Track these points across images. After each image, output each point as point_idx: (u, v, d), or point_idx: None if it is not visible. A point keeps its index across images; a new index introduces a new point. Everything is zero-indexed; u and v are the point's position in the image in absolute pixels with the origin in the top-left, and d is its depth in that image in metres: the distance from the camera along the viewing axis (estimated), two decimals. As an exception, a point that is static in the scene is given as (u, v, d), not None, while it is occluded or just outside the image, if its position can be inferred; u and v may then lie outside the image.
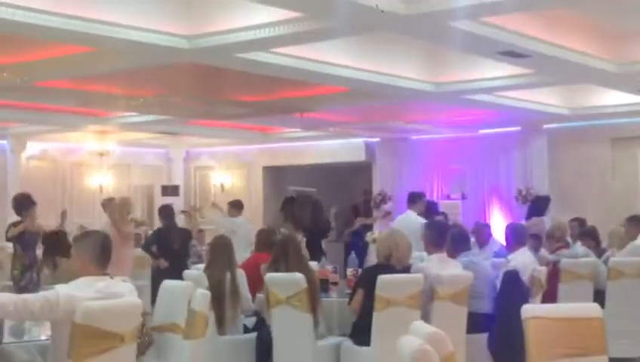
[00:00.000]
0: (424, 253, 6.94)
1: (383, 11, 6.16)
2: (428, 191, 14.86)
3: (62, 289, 4.07)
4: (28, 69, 8.51)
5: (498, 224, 12.72)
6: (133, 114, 12.54)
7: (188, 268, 7.97)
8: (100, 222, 10.79)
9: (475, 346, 6.18)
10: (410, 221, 8.98)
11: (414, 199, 9.71)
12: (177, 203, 14.84)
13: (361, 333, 5.98)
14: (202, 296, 4.89)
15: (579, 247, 8.56)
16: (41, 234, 8.01)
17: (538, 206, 10.31)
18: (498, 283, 6.53)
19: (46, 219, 9.71)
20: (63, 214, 9.94)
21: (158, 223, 11.68)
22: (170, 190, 16.96)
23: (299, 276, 6.08)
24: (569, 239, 8.75)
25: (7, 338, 4.40)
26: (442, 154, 15.01)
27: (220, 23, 7.15)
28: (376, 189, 15.78)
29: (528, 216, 10.29)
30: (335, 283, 6.88)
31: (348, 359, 6.13)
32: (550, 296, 7.23)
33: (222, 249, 6.74)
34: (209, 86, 10.50)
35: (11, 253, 8.37)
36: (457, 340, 5.67)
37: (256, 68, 8.24)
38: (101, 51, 7.62)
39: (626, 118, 12.57)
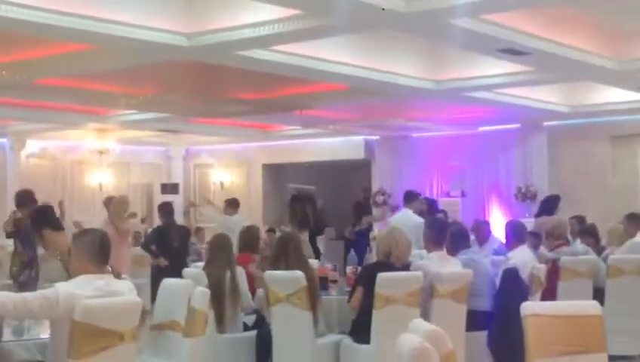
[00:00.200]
0: (424, 251, 6.95)
1: (384, 9, 6.16)
2: (428, 189, 14.89)
3: (61, 288, 4.07)
4: (27, 67, 8.50)
5: (498, 221, 12.73)
6: (133, 112, 12.54)
7: (187, 266, 7.96)
8: (99, 220, 10.78)
9: (474, 344, 6.19)
10: (407, 219, 9.01)
11: (411, 198, 9.75)
12: (177, 201, 14.84)
13: (360, 331, 5.98)
14: (202, 293, 4.89)
15: (578, 245, 8.56)
16: None
17: (548, 205, 10.29)
18: (498, 281, 6.53)
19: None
20: (61, 204, 9.93)
21: (157, 221, 11.71)
22: (169, 188, 16.96)
23: (299, 274, 6.08)
24: (569, 236, 8.75)
25: (6, 337, 4.40)
26: (442, 152, 15.01)
27: (219, 20, 7.14)
28: (375, 187, 15.79)
29: (538, 215, 10.27)
30: (335, 281, 6.88)
31: (347, 357, 6.14)
32: (550, 294, 7.23)
33: (221, 247, 6.74)
34: (209, 84, 10.49)
35: (11, 251, 8.38)
36: (457, 338, 5.67)
37: (256, 65, 8.23)
38: (101, 49, 7.62)
39: (626, 115, 12.57)
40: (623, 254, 8.16)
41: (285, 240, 6.72)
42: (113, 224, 8.46)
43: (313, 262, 7.01)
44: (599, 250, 8.75)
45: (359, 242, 11.20)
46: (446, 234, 6.55)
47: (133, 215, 11.13)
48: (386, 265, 6.09)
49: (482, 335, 6.34)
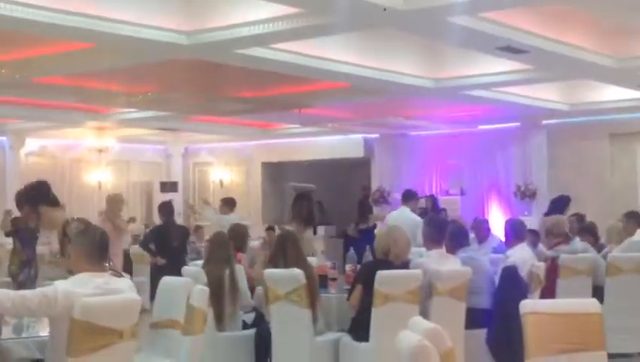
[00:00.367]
0: (423, 249, 6.95)
1: (385, 9, 6.17)
2: (427, 187, 14.91)
3: (60, 286, 4.07)
4: (27, 66, 8.50)
5: (497, 220, 12.74)
6: (132, 110, 12.54)
7: (187, 265, 7.96)
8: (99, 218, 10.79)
9: (473, 341, 6.18)
10: (405, 217, 9.03)
11: (409, 196, 9.78)
12: (176, 199, 14.84)
13: (359, 329, 5.98)
14: (201, 291, 4.89)
15: (578, 243, 8.55)
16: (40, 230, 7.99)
17: (558, 205, 10.30)
18: (497, 279, 6.53)
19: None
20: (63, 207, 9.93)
21: (156, 219, 11.71)
22: (169, 186, 16.96)
23: (297, 272, 6.08)
24: (570, 234, 8.74)
25: (5, 335, 4.40)
26: (441, 150, 15.02)
27: (219, 18, 7.14)
28: (374, 185, 15.79)
29: (547, 215, 10.26)
30: (334, 279, 6.88)
31: (347, 355, 6.14)
32: (549, 292, 7.23)
33: (221, 245, 6.73)
34: (208, 82, 10.49)
35: (10, 250, 8.36)
36: (456, 336, 5.67)
37: (256, 64, 8.24)
38: (100, 47, 7.62)
39: (625, 113, 12.58)
40: (622, 252, 8.16)
41: (284, 238, 6.71)
42: (110, 221, 8.46)
43: (312, 260, 7.01)
44: (598, 248, 8.75)
45: (363, 240, 11.19)
46: (445, 232, 6.54)
47: (133, 220, 11.13)
48: (385, 263, 6.09)
49: (481, 333, 6.34)
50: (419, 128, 14.80)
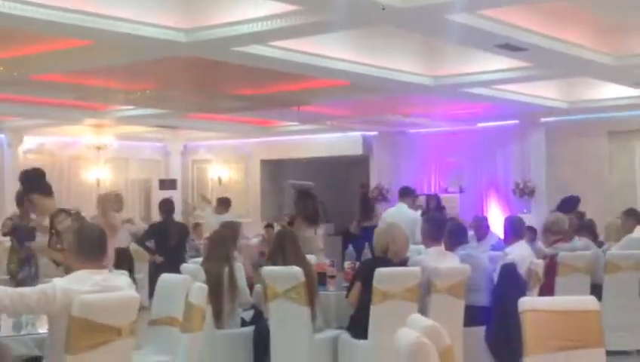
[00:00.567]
0: (421, 246, 6.95)
1: (383, 8, 6.17)
2: (426, 185, 14.91)
3: (59, 283, 4.06)
4: (25, 63, 8.49)
5: (496, 217, 12.74)
6: (130, 107, 12.53)
7: (186, 263, 7.96)
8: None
9: (472, 339, 6.19)
10: (402, 214, 9.03)
11: (406, 193, 9.79)
12: (175, 197, 14.82)
13: (358, 326, 5.98)
14: (199, 289, 4.88)
15: (578, 241, 8.54)
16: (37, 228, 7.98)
17: (567, 206, 10.31)
18: (496, 276, 6.54)
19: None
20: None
21: (155, 217, 11.71)
22: (167, 184, 16.95)
23: (296, 269, 6.08)
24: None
25: (4, 332, 4.39)
26: (440, 148, 15.02)
27: (217, 16, 7.13)
28: (373, 183, 15.79)
29: None
30: (332, 277, 6.88)
31: (345, 352, 6.14)
32: (547, 289, 7.23)
33: (220, 243, 6.73)
34: (207, 80, 10.48)
35: (8, 247, 8.35)
36: (454, 333, 5.67)
37: (254, 61, 8.23)
38: (98, 45, 7.61)
39: (624, 111, 12.59)
40: (620, 250, 8.17)
41: (283, 235, 6.72)
42: (105, 218, 8.49)
43: (311, 258, 7.01)
44: (597, 245, 8.75)
45: (364, 238, 11.19)
46: (444, 229, 6.55)
47: (130, 221, 11.14)
48: (383, 260, 6.09)
49: (480, 331, 6.34)
50: (418, 126, 14.80)
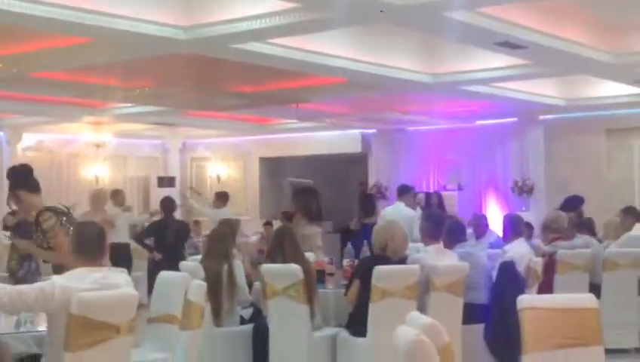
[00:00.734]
0: (420, 244, 6.96)
1: (382, 11, 6.17)
2: (424, 183, 14.91)
3: (58, 280, 4.06)
4: (24, 60, 8.48)
5: (494, 215, 12.75)
6: (129, 105, 12.52)
7: (185, 260, 7.97)
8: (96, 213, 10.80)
9: (471, 337, 6.20)
10: (400, 212, 9.05)
11: (404, 191, 9.79)
12: (173, 194, 14.82)
13: (357, 324, 5.99)
14: (198, 286, 4.89)
15: (579, 238, 8.54)
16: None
17: (572, 204, 10.32)
18: (494, 274, 6.54)
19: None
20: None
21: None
22: (166, 181, 16.94)
23: (295, 267, 6.08)
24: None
25: (3, 329, 4.39)
26: (439, 146, 15.02)
27: (216, 13, 7.13)
28: (372, 180, 15.79)
29: None
30: (331, 274, 6.88)
31: (344, 350, 6.14)
32: (546, 287, 7.24)
33: (219, 240, 6.73)
34: (205, 77, 10.48)
35: (8, 244, 8.35)
36: (453, 331, 5.68)
37: (253, 58, 8.22)
38: (97, 42, 7.60)
39: (622, 109, 12.59)
40: (619, 247, 8.18)
41: (282, 233, 6.72)
42: (98, 215, 8.51)
43: (309, 255, 7.01)
44: (596, 243, 8.76)
45: (364, 235, 11.19)
46: (443, 227, 6.55)
47: (127, 209, 11.20)
48: (382, 258, 6.09)
49: (479, 328, 6.35)
50: (416, 123, 14.79)
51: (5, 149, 14.77)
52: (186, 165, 18.12)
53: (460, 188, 14.71)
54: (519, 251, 6.69)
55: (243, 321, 6.65)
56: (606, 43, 8.63)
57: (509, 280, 6.31)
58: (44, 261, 6.29)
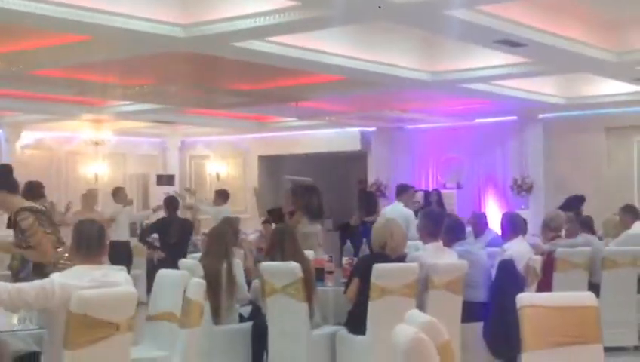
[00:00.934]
0: (419, 242, 6.96)
1: (380, 7, 6.16)
2: (424, 181, 14.91)
3: (57, 278, 4.06)
4: (22, 58, 8.47)
5: (494, 213, 12.74)
6: (128, 103, 12.51)
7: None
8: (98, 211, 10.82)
9: (470, 335, 6.20)
10: (396, 211, 9.06)
11: (402, 190, 9.80)
12: (172, 192, 14.82)
13: (356, 322, 5.99)
14: (197, 284, 4.88)
15: (580, 237, 8.53)
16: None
17: (573, 203, 10.31)
18: (494, 272, 6.54)
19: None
20: (51, 205, 9.93)
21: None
22: (165, 179, 16.95)
23: (294, 265, 6.08)
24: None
25: (2, 327, 4.39)
26: (438, 144, 15.02)
27: (215, 11, 7.12)
28: (371, 179, 15.79)
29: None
30: (331, 272, 6.88)
31: (343, 348, 6.14)
32: (545, 286, 7.24)
33: (219, 239, 6.73)
34: (204, 75, 10.47)
35: (10, 243, 8.34)
36: (452, 329, 5.68)
37: (252, 57, 8.22)
38: (96, 40, 7.60)
39: (621, 107, 12.58)
40: (619, 246, 8.18)
41: (281, 231, 6.72)
42: (90, 214, 8.53)
43: (309, 253, 7.01)
44: (595, 241, 8.75)
45: (364, 233, 11.18)
46: (442, 225, 6.55)
47: (130, 202, 11.23)
48: (381, 256, 6.09)
49: (478, 327, 6.35)
50: (416, 121, 14.79)
51: (4, 147, 14.76)
52: (185, 163, 18.12)
53: (459, 187, 14.72)
54: (518, 249, 6.69)
55: (242, 319, 6.65)
56: (606, 41, 8.62)
57: (508, 279, 6.31)
58: (25, 259, 6.30)
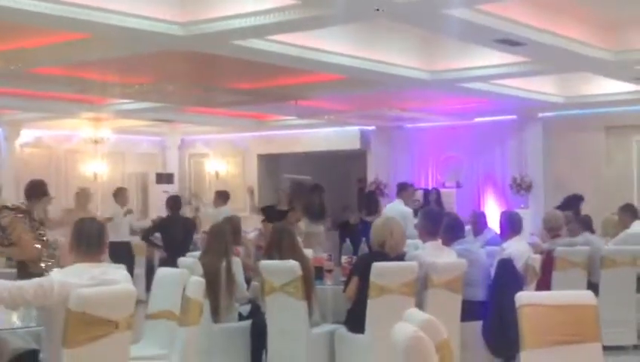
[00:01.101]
0: (418, 241, 6.96)
1: (378, 9, 6.16)
2: (423, 180, 14.91)
3: (56, 276, 4.07)
4: (22, 56, 8.47)
5: (493, 212, 12.74)
6: (128, 101, 12.51)
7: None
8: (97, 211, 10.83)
9: (469, 334, 6.20)
10: (394, 210, 9.06)
11: (402, 189, 9.81)
12: (172, 190, 14.83)
13: (355, 321, 5.99)
14: (196, 283, 4.89)
15: (580, 236, 8.54)
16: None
17: (572, 202, 10.30)
18: (493, 271, 6.54)
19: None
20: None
21: (152, 211, 11.72)
22: (164, 178, 16.95)
23: (293, 263, 6.08)
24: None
25: (1, 325, 4.39)
26: (438, 143, 15.02)
27: (214, 9, 7.11)
28: (370, 177, 15.79)
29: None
30: (330, 271, 6.88)
31: (342, 346, 6.15)
32: (544, 285, 7.25)
33: (218, 237, 6.73)
34: (204, 73, 10.47)
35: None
36: (451, 327, 5.68)
37: (252, 55, 8.21)
38: (95, 38, 7.59)
39: (621, 106, 12.58)
40: (617, 245, 8.18)
41: (279, 230, 6.72)
42: (83, 213, 8.54)
43: (308, 252, 7.01)
44: (595, 241, 8.75)
45: (363, 232, 11.19)
46: (441, 224, 6.55)
47: (130, 211, 11.17)
48: (381, 254, 6.09)
49: (477, 325, 6.35)
50: (415, 120, 14.79)
51: (3, 146, 14.75)
52: (184, 162, 18.12)
53: (458, 186, 14.72)
54: (517, 248, 6.69)
55: (241, 317, 6.66)
56: (605, 40, 8.62)
57: (507, 278, 6.31)
58: (8, 258, 6.32)
